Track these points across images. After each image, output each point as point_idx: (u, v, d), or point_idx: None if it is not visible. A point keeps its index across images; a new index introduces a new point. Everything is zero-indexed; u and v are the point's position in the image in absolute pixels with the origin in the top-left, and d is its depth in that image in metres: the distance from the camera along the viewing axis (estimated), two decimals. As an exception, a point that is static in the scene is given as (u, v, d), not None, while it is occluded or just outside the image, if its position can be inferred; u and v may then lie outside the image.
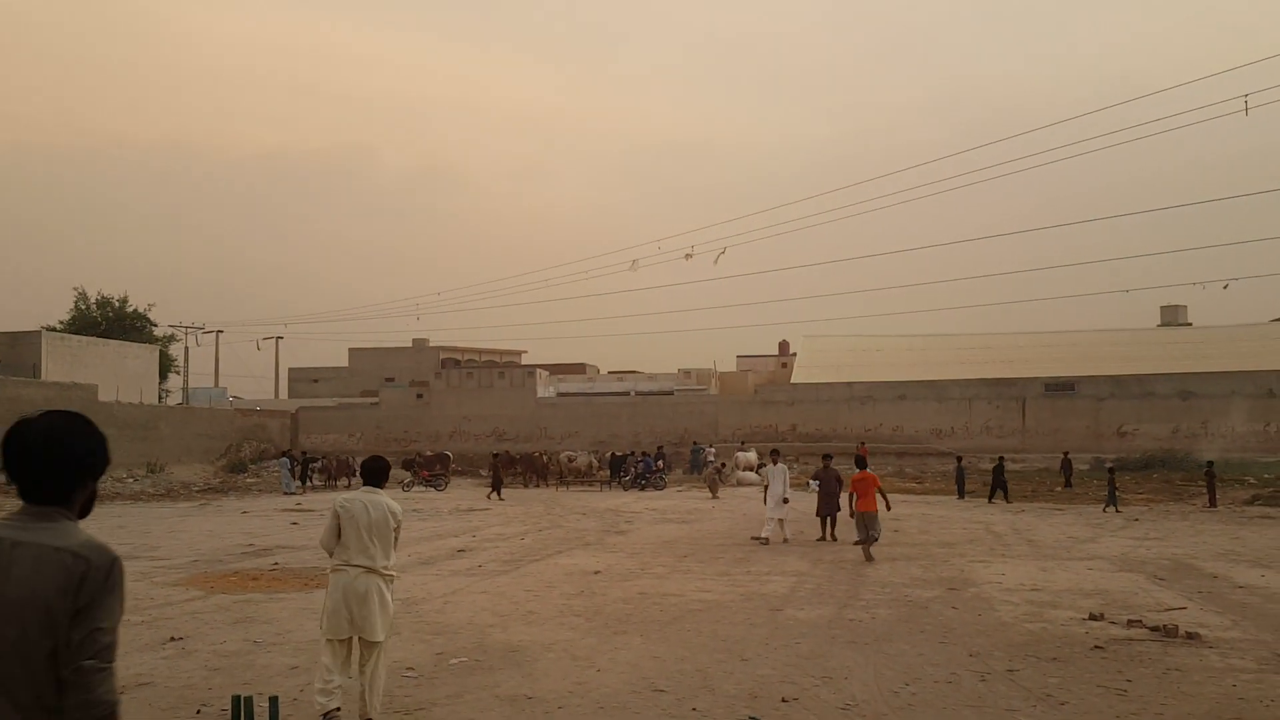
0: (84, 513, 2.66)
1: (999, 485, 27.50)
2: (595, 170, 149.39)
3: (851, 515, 16.11)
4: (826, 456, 19.25)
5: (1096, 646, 8.96)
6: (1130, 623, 9.95)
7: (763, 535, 17.53)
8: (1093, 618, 10.29)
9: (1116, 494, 24.48)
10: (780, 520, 17.69)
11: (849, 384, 48.55)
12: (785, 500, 17.75)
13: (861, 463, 17.11)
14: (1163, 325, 60.51)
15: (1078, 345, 52.24)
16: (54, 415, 2.72)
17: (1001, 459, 29.51)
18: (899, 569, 14.26)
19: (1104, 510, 23.94)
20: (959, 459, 32.29)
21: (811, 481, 17.89)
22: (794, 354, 62.29)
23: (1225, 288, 41.53)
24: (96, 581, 2.46)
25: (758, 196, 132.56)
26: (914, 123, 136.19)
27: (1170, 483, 32.45)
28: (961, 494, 29.33)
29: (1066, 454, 34.12)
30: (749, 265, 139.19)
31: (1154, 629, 9.62)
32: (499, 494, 31.25)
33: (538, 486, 37.92)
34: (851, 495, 16.25)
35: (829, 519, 17.86)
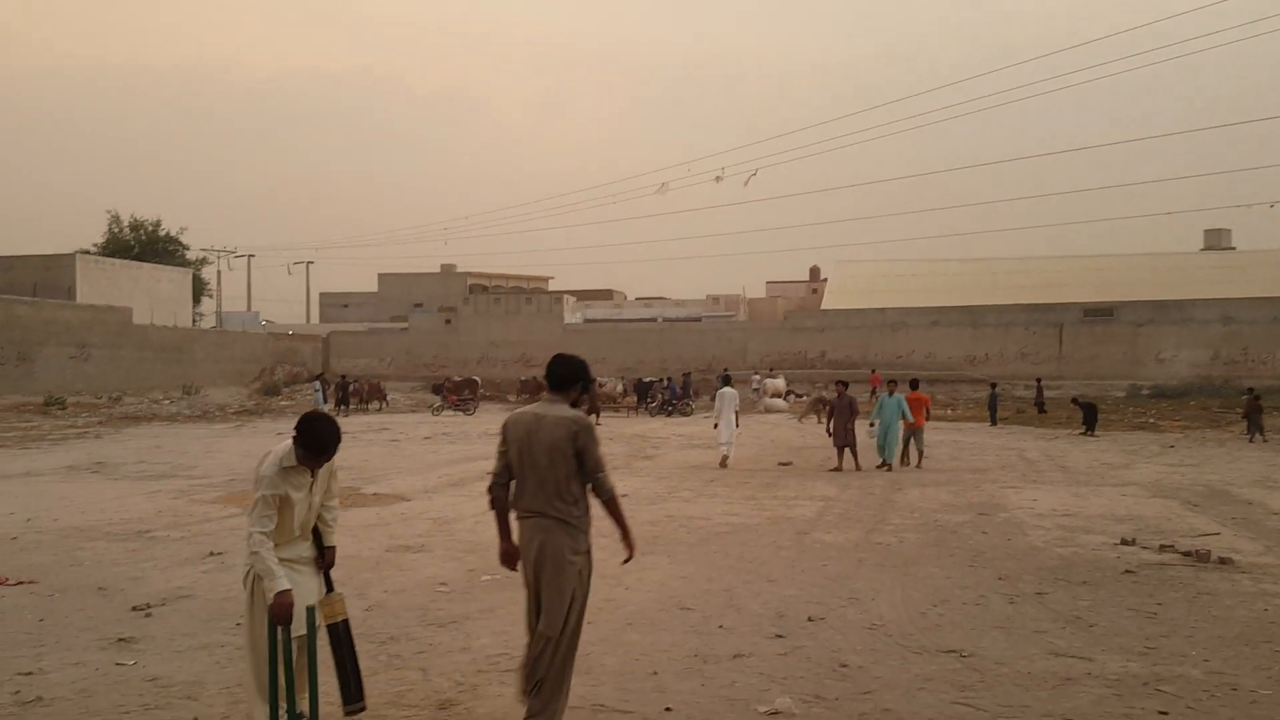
0: (573, 404, 5.01)
1: (1090, 418, 25.42)
2: (623, 92, 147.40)
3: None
4: (841, 384, 19.02)
5: (1127, 571, 8.92)
6: (1162, 548, 9.89)
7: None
8: (1124, 543, 10.24)
9: (1261, 421, 23.54)
10: (728, 445, 17.97)
11: (881, 310, 48.13)
12: (715, 426, 18.38)
13: (915, 384, 19.01)
14: (1206, 249, 59.34)
15: (1117, 269, 51.34)
16: (571, 355, 5.19)
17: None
18: (928, 494, 14.24)
19: (1250, 440, 22.98)
20: (993, 385, 32.09)
21: (871, 427, 17.66)
22: (825, 280, 61.81)
23: (1272, 208, 40.43)
24: (584, 433, 4.84)
25: (790, 117, 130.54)
26: (950, 41, 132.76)
27: (1207, 410, 32.11)
28: (994, 420, 29.16)
29: (1039, 380, 34.42)
30: (781, 188, 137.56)
31: (1186, 554, 9.56)
32: (598, 420, 31.11)
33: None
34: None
35: (847, 448, 17.49)
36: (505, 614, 7.38)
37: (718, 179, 43.82)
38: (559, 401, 4.97)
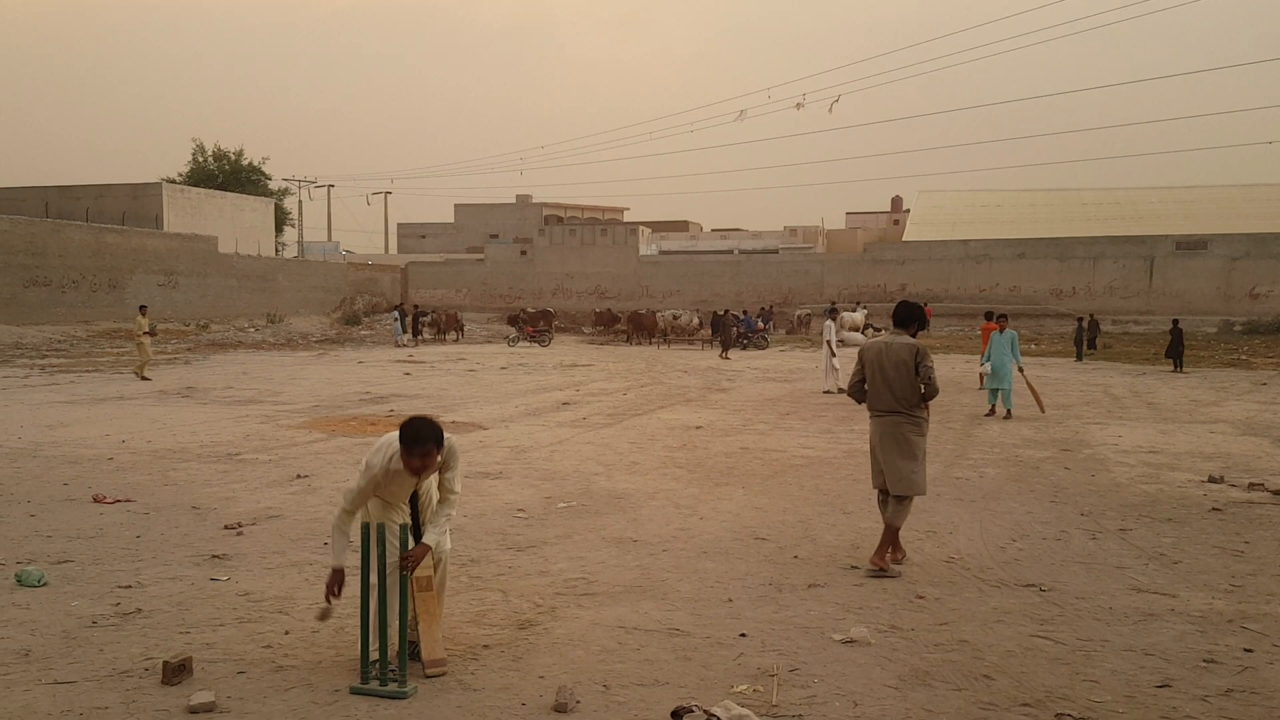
0: (915, 334, 6.91)
1: (1177, 350, 24.48)
2: (702, 16, 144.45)
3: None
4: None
5: (1214, 508, 8.69)
6: (1251, 486, 9.62)
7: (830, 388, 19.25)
8: (1212, 480, 9.97)
9: None
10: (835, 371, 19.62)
11: (964, 241, 46.98)
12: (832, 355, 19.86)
13: (990, 316, 19.02)
14: (1308, 181, 56.52)
15: (1213, 201, 49.29)
16: (912, 301, 7.07)
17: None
18: (1009, 429, 14.01)
19: None
20: (1079, 320, 31.21)
21: (984, 365, 17.15)
22: (907, 210, 60.53)
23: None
24: (921, 353, 6.64)
25: (874, 41, 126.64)
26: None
27: (1303, 347, 30.91)
28: (1080, 356, 28.47)
29: (1092, 315, 34.02)
30: (863, 115, 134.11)
31: (1276, 492, 9.29)
32: (727, 354, 30.97)
33: (639, 344, 38.26)
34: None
35: None
36: (581, 540, 7.50)
37: (798, 106, 43.09)
38: (901, 334, 6.84)
